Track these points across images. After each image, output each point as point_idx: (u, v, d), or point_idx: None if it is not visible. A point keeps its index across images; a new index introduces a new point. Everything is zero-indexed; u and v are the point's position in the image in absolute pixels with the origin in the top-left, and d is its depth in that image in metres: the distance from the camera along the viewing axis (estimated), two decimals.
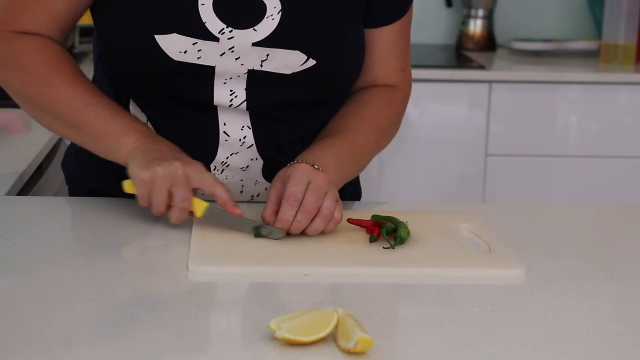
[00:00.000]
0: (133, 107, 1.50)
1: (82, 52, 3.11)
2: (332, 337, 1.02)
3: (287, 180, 1.34)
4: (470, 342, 1.05)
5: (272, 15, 1.41)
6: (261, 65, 1.43)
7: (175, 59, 1.40)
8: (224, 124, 1.47)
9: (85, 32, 3.17)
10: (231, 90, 1.44)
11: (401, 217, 1.37)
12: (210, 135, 1.47)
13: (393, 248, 1.30)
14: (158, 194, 1.31)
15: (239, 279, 1.21)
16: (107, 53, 1.50)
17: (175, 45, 1.40)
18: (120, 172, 1.38)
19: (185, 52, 1.40)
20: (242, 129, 1.47)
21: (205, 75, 1.42)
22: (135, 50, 1.42)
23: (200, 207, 1.34)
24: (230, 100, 1.45)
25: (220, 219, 1.34)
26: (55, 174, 2.00)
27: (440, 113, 3.04)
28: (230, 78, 1.44)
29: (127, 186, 1.36)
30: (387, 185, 3.06)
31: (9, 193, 1.66)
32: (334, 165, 1.41)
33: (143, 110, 1.50)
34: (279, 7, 1.41)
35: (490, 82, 3.02)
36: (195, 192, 1.34)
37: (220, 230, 1.34)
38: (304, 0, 1.42)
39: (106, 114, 1.40)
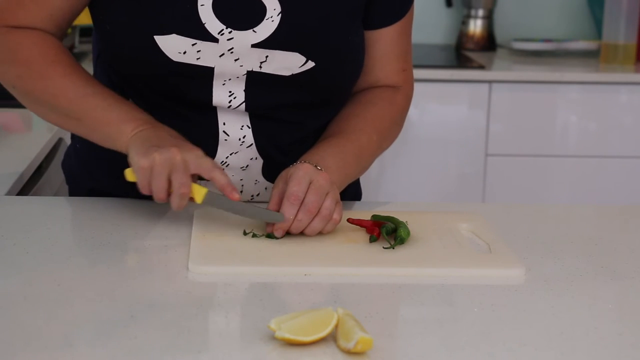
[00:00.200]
0: None
1: (82, 52, 3.11)
2: (332, 337, 1.02)
3: (289, 180, 1.34)
4: (470, 342, 1.05)
5: (271, 17, 1.41)
6: (260, 67, 1.43)
7: (175, 59, 1.40)
8: (224, 124, 1.47)
9: (85, 32, 3.17)
10: (230, 91, 1.44)
11: (401, 217, 1.37)
12: (209, 135, 1.47)
13: (393, 248, 1.30)
14: (157, 181, 1.31)
15: (238, 278, 1.21)
16: (106, 53, 1.50)
17: (174, 46, 1.40)
18: (120, 172, 1.38)
19: (185, 52, 1.40)
20: (241, 129, 1.47)
21: (204, 76, 1.42)
22: (134, 50, 1.42)
23: (199, 193, 1.33)
24: (229, 101, 1.45)
25: (220, 204, 1.34)
26: (55, 174, 2.00)
27: (440, 113, 3.04)
28: (229, 79, 1.43)
29: (129, 174, 1.36)
30: (387, 185, 3.06)
31: (9, 193, 1.66)
32: (337, 165, 1.41)
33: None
34: (278, 9, 1.41)
35: (490, 82, 3.01)
36: (195, 178, 1.34)
37: (220, 230, 1.35)
38: (304, 2, 1.43)
39: (104, 103, 1.40)
